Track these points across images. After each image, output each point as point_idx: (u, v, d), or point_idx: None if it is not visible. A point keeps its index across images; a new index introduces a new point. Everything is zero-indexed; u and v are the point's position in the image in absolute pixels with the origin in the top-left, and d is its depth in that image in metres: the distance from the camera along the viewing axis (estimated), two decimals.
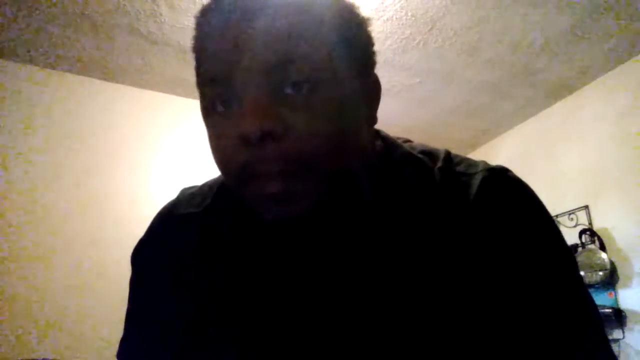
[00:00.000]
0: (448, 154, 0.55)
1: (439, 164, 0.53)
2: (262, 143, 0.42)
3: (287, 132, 0.43)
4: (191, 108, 2.53)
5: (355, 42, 0.50)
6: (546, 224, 0.51)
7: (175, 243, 0.57)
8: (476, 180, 0.50)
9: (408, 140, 0.59)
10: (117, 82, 2.40)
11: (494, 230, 0.48)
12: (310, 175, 0.44)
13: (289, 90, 0.44)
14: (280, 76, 0.43)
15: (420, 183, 0.52)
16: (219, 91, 0.46)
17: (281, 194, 0.44)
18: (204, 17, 0.49)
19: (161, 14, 1.99)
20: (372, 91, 0.53)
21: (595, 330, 0.48)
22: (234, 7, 0.45)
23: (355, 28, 0.50)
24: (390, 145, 0.56)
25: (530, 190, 0.52)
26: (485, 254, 0.48)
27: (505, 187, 0.51)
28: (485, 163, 0.53)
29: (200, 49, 0.49)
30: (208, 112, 0.48)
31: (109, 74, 2.35)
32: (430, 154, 0.55)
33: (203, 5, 0.50)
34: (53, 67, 2.26)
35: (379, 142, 0.57)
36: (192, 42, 0.50)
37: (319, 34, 0.45)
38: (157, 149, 2.42)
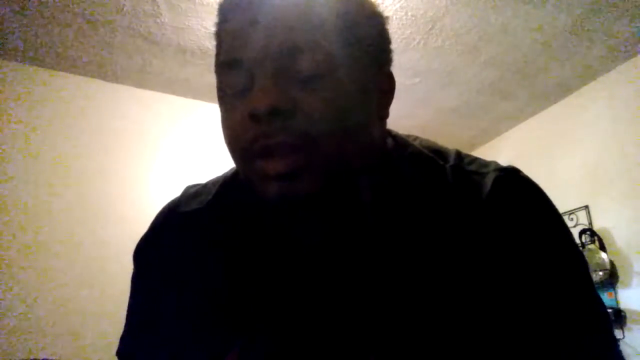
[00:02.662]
0: (459, 152, 0.56)
1: (451, 162, 0.54)
2: (270, 119, 0.44)
3: (296, 110, 0.44)
4: (191, 108, 2.53)
5: (370, 37, 0.51)
6: (557, 224, 0.51)
7: (178, 240, 0.57)
8: (489, 180, 0.51)
9: (417, 137, 0.60)
10: (117, 82, 2.40)
11: (506, 230, 0.49)
12: (317, 153, 0.45)
13: (300, 75, 0.45)
14: (293, 61, 0.45)
15: (432, 181, 0.52)
16: (234, 74, 0.47)
17: (287, 169, 0.45)
18: (225, 3, 0.51)
19: (161, 14, 1.99)
20: (384, 86, 0.54)
21: (604, 330, 0.48)
22: None
23: (371, 24, 0.52)
24: (400, 143, 0.57)
25: (542, 191, 0.52)
26: (497, 252, 0.48)
27: (518, 187, 0.51)
28: (496, 163, 0.54)
29: (220, 34, 0.51)
30: (222, 95, 0.50)
31: (109, 74, 2.35)
32: (440, 152, 0.56)
33: None
34: (53, 67, 2.26)
35: (389, 140, 0.57)
36: (215, 28, 0.52)
37: (334, 25, 0.47)
38: (156, 149, 2.42)
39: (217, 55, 0.51)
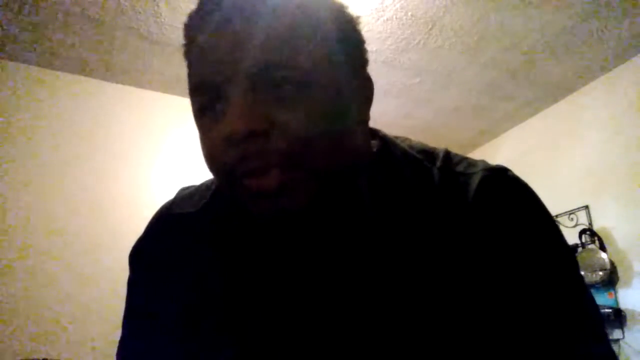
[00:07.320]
0: (447, 153, 0.55)
1: (438, 163, 0.53)
2: (247, 141, 0.43)
3: (274, 129, 0.43)
4: (191, 108, 2.52)
5: (345, 42, 0.49)
6: (546, 223, 0.51)
7: (173, 243, 0.57)
8: (475, 180, 0.50)
9: (407, 139, 0.59)
10: (117, 82, 2.40)
11: (494, 230, 0.48)
12: (300, 169, 0.44)
13: (276, 91, 0.44)
14: (268, 78, 0.44)
15: (419, 183, 0.51)
16: (208, 96, 0.46)
17: (272, 188, 0.44)
18: (191, 24, 0.49)
19: (161, 14, 1.99)
20: (364, 90, 0.53)
21: (596, 328, 0.48)
22: (221, 13, 0.46)
23: (344, 28, 0.50)
24: (388, 145, 0.56)
25: (530, 190, 0.52)
26: (485, 253, 0.48)
27: (505, 186, 0.51)
28: (484, 163, 0.53)
29: (189, 56, 0.49)
30: (198, 117, 0.48)
31: (109, 74, 2.35)
32: (429, 154, 0.55)
33: (190, 12, 0.50)
34: (53, 67, 2.26)
35: (376, 142, 0.56)
36: (183, 49, 0.50)
37: (306, 35, 0.45)
38: (157, 149, 2.42)
39: (189, 77, 0.49)
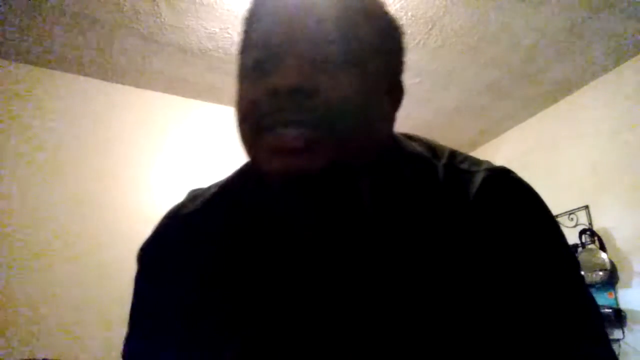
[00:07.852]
0: (453, 151, 0.56)
1: (444, 160, 0.54)
2: (291, 96, 0.45)
3: (317, 92, 0.46)
4: (191, 108, 2.53)
5: (391, 47, 0.54)
6: (547, 223, 0.51)
7: (178, 242, 0.58)
8: (477, 179, 0.51)
9: (415, 135, 0.60)
10: (117, 82, 2.40)
11: (494, 229, 0.49)
12: (328, 135, 0.46)
13: (325, 65, 0.47)
14: (321, 48, 0.47)
15: (425, 179, 0.53)
16: (260, 53, 0.49)
17: (295, 144, 0.45)
18: None
19: (161, 14, 1.99)
20: (394, 92, 0.56)
21: (596, 329, 0.48)
22: None
23: (393, 36, 0.55)
24: (397, 141, 0.57)
25: (533, 191, 0.52)
26: (486, 251, 0.48)
27: (507, 186, 0.51)
28: (488, 163, 0.54)
29: (250, 18, 0.53)
30: (244, 72, 0.51)
31: (109, 74, 2.35)
32: (434, 151, 0.56)
33: None
34: (53, 67, 2.26)
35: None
36: (246, 11, 0.54)
37: (362, 27, 0.49)
38: (157, 149, 2.42)
39: (244, 35, 0.53)
